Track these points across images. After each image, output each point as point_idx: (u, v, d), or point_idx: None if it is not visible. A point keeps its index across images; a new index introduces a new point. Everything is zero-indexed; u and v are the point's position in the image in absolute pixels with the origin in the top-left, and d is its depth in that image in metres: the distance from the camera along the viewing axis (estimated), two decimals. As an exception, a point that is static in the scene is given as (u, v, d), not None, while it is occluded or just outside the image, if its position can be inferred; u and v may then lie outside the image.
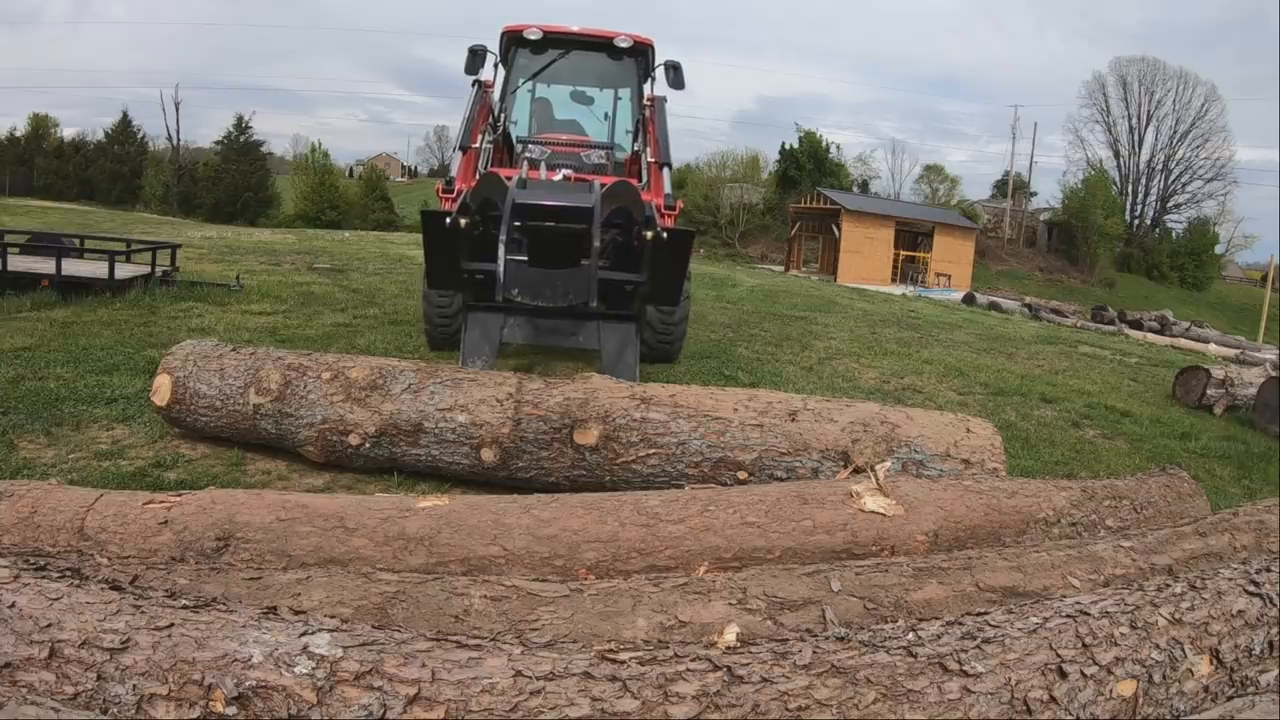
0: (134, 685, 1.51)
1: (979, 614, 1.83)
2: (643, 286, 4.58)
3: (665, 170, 5.42)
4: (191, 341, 4.25)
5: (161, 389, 4.00)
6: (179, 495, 2.68)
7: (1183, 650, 1.85)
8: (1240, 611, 1.99)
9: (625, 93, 6.87)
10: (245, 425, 3.93)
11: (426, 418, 3.72)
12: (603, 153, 6.33)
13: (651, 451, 3.64)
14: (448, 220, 4.03)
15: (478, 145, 5.64)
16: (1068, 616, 1.82)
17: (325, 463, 3.90)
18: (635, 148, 6.55)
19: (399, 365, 3.94)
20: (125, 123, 45.35)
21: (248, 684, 1.49)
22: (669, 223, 4.95)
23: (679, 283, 4.63)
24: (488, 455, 3.69)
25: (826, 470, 3.63)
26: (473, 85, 6.00)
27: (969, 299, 22.05)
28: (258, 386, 3.87)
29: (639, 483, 3.68)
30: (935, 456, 3.66)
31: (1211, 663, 1.90)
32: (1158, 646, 1.83)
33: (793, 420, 3.71)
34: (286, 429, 3.85)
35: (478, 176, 5.09)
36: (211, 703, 1.49)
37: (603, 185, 4.45)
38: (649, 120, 6.12)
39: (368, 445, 3.75)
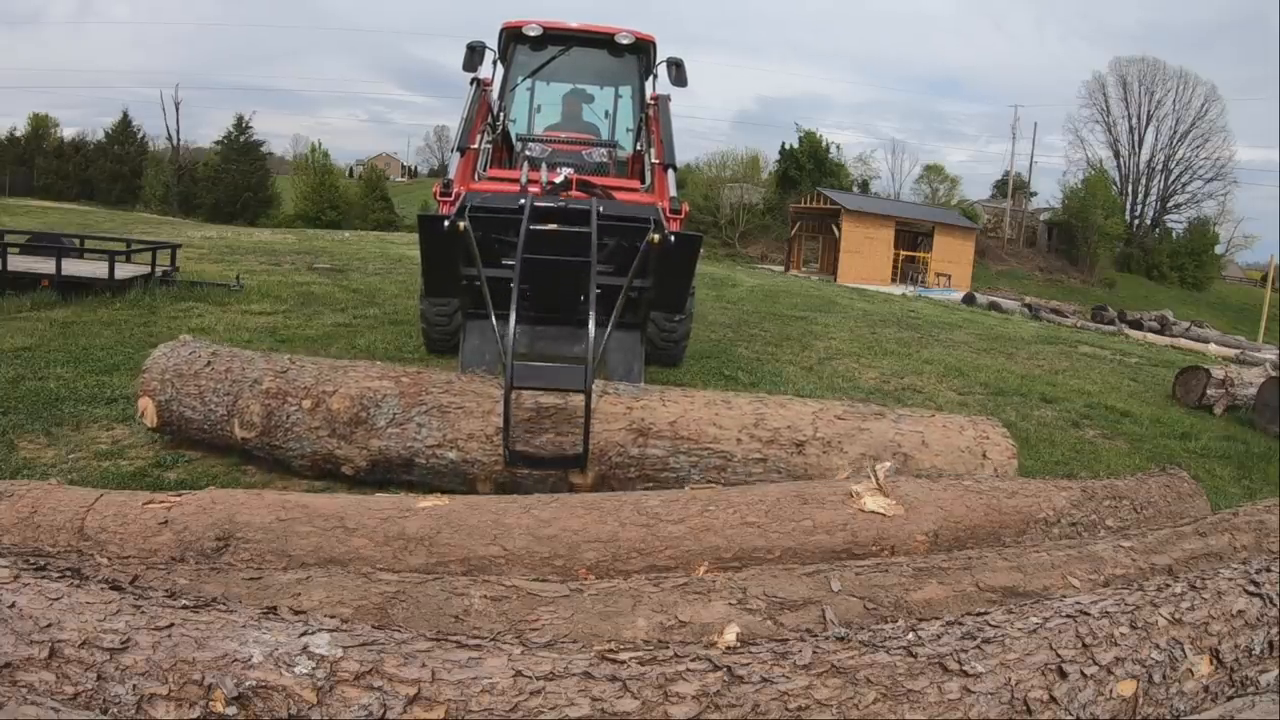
0: (134, 685, 1.51)
1: (979, 614, 1.83)
2: (648, 293, 4.52)
3: (670, 172, 5.35)
4: (164, 349, 4.00)
5: (148, 412, 3.90)
6: (179, 495, 2.68)
7: (1183, 650, 1.85)
8: (1240, 611, 1.99)
9: (626, 90, 6.84)
10: (238, 450, 3.87)
11: (417, 454, 3.58)
12: (604, 151, 6.30)
13: (649, 488, 3.49)
14: (445, 225, 3.98)
15: (476, 146, 5.57)
16: (1068, 616, 1.82)
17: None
18: (638, 147, 6.51)
19: (380, 391, 3.66)
20: (125, 123, 45.37)
21: (248, 684, 1.49)
22: (675, 227, 4.89)
23: (685, 288, 4.51)
24: (483, 489, 3.61)
25: None
26: (471, 84, 5.95)
27: (969, 299, 22.05)
28: (240, 419, 3.72)
29: None
30: None
31: (1211, 663, 1.89)
32: (1158, 646, 1.83)
33: (799, 453, 3.56)
34: (279, 458, 3.77)
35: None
36: (211, 703, 1.49)
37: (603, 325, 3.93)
38: (653, 120, 6.07)
39: (363, 474, 3.67)
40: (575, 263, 3.98)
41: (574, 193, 4.73)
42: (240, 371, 3.81)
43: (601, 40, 6.24)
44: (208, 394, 3.78)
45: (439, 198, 4.97)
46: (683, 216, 5.05)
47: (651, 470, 3.54)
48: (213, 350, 3.99)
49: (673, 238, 4.01)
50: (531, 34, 6.12)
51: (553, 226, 4.28)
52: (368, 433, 3.60)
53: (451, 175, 5.06)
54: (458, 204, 4.59)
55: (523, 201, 4.23)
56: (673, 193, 5.14)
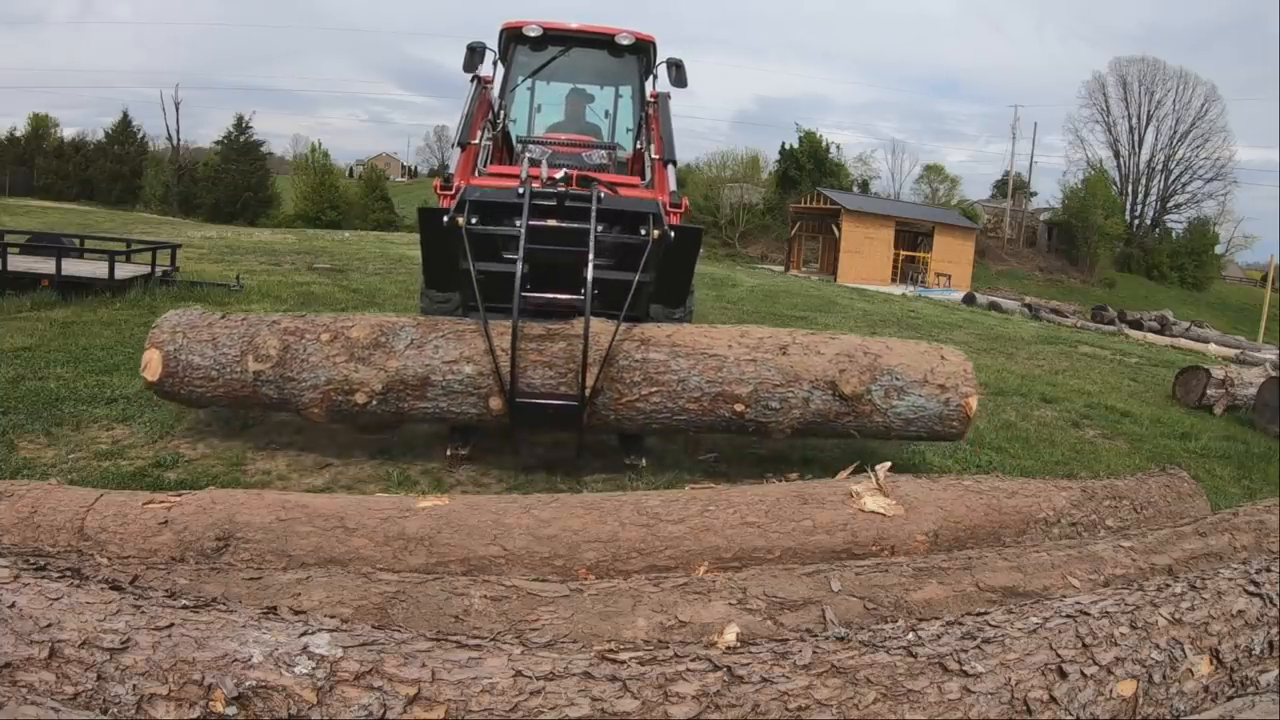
0: (134, 685, 1.51)
1: (979, 614, 1.83)
2: (648, 287, 4.53)
3: (669, 167, 5.34)
4: (176, 312, 4.13)
5: (151, 364, 3.90)
6: (179, 495, 2.67)
7: (1183, 650, 1.85)
8: (1240, 611, 1.99)
9: (626, 90, 6.83)
10: (245, 392, 3.88)
11: (433, 371, 3.77)
12: (604, 152, 6.30)
13: (654, 390, 3.84)
14: (445, 220, 3.98)
15: (477, 141, 5.56)
16: (1068, 616, 1.81)
17: (330, 422, 3.91)
18: (638, 145, 6.51)
19: (399, 321, 3.97)
20: (125, 123, 45.29)
21: (248, 684, 1.49)
22: (675, 221, 4.89)
23: (686, 283, 4.55)
24: (496, 404, 3.77)
25: (817, 399, 3.91)
26: (472, 81, 5.96)
27: (969, 299, 22.04)
28: (255, 354, 3.80)
29: (642, 420, 3.89)
30: (914, 383, 3.99)
31: (1211, 663, 1.89)
32: (1158, 646, 1.83)
33: (783, 354, 3.97)
34: (289, 393, 3.82)
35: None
36: (211, 703, 1.48)
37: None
38: (652, 117, 6.06)
39: (374, 403, 3.76)
40: (573, 254, 4.00)
41: (574, 186, 4.73)
42: (257, 319, 4.02)
43: (601, 41, 6.23)
44: (221, 339, 3.90)
45: (439, 192, 4.97)
46: (683, 211, 5.05)
47: (655, 372, 3.85)
48: (225, 313, 4.17)
49: (673, 233, 4.03)
50: (531, 34, 6.11)
51: (551, 223, 4.28)
52: (386, 354, 3.79)
53: (452, 170, 5.05)
54: (457, 197, 4.57)
55: (521, 191, 4.23)
56: (673, 187, 5.13)
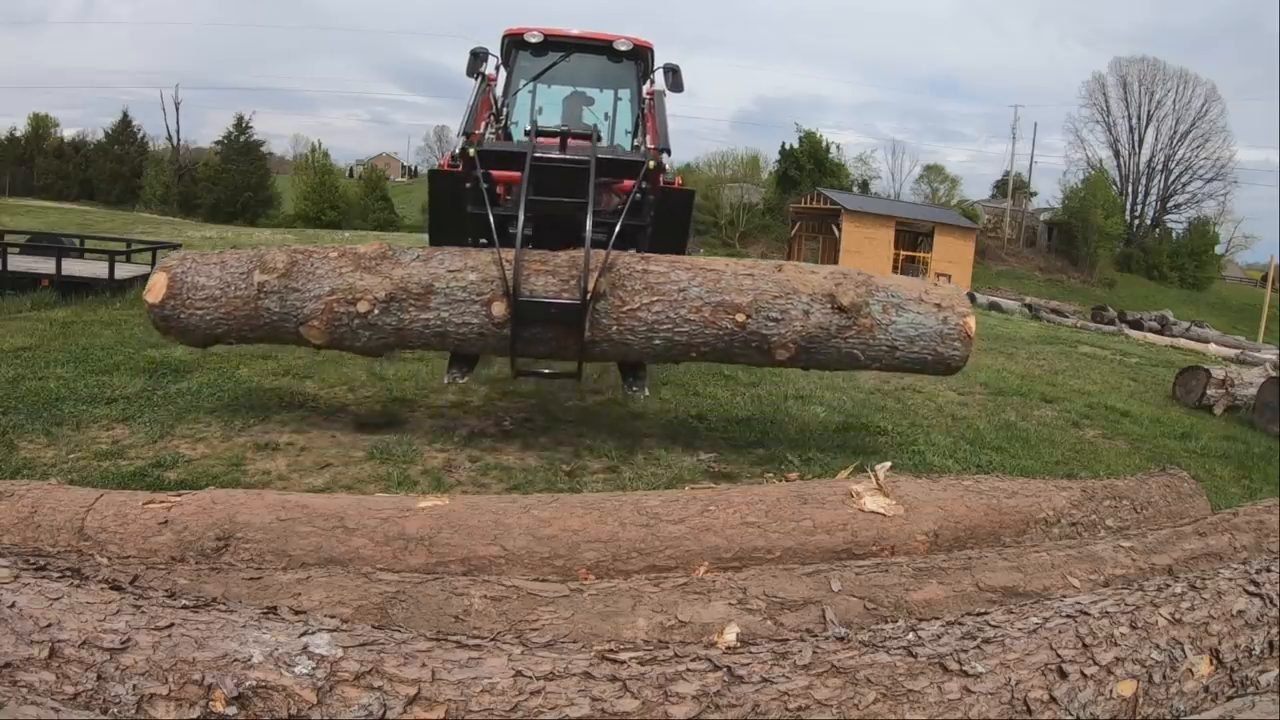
0: (134, 685, 1.51)
1: (979, 614, 1.83)
2: (645, 230, 4.65)
3: (664, 155, 5.43)
4: (190, 251, 4.48)
5: (156, 286, 4.03)
6: (179, 495, 2.67)
7: (1183, 650, 1.85)
8: (1240, 611, 1.99)
9: (625, 94, 6.91)
10: (246, 310, 3.98)
11: (437, 279, 3.93)
12: None
13: (655, 299, 3.97)
14: (459, 150, 4.22)
15: (480, 131, 5.64)
16: (1068, 616, 1.81)
17: (327, 344, 4.05)
18: (635, 142, 6.58)
19: (406, 244, 4.17)
20: (125, 123, 45.32)
21: (248, 684, 1.49)
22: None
23: (682, 245, 4.73)
24: (499, 309, 3.90)
25: (817, 312, 4.05)
26: (476, 78, 6.02)
27: (969, 299, 22.01)
28: (263, 266, 3.97)
29: (644, 331, 4.01)
30: (911, 300, 4.16)
31: (1211, 663, 1.89)
32: (1158, 646, 1.83)
33: (779, 270, 4.23)
34: (291, 305, 3.93)
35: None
36: (211, 703, 1.48)
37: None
38: (648, 113, 6.14)
39: (376, 312, 3.89)
40: (577, 171, 4.28)
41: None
42: (268, 247, 4.22)
43: (600, 47, 6.33)
44: (230, 262, 4.09)
45: (447, 168, 5.08)
46: (676, 186, 5.22)
47: (656, 282, 4.02)
48: (237, 248, 4.52)
49: (666, 161, 4.33)
50: (533, 40, 6.22)
51: (555, 155, 4.51)
52: (393, 265, 3.96)
53: (457, 151, 5.17)
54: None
55: (527, 130, 4.50)
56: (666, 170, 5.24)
